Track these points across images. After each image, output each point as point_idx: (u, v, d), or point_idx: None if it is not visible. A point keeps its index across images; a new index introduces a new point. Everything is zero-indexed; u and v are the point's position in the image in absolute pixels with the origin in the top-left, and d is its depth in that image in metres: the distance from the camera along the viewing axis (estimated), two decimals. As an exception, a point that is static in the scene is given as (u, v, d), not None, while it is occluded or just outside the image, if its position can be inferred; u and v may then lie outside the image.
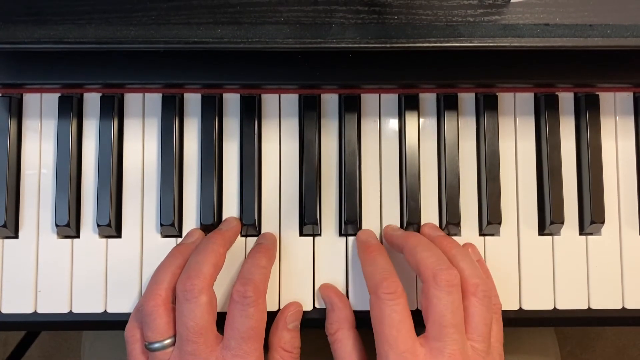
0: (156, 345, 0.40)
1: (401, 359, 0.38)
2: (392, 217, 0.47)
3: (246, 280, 0.41)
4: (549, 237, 0.47)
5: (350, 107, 0.47)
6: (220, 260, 0.43)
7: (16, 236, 0.46)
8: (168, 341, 0.40)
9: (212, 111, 0.47)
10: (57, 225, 0.46)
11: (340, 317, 0.44)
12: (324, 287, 0.46)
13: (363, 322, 0.43)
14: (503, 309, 0.46)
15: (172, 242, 0.46)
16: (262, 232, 0.47)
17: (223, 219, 0.47)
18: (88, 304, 0.46)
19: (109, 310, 0.46)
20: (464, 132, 0.48)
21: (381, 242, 0.47)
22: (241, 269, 0.43)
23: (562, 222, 0.46)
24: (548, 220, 0.46)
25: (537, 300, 0.47)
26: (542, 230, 0.47)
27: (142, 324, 0.42)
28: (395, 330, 0.39)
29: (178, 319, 0.40)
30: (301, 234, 0.47)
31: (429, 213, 0.47)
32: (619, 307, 0.47)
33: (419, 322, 0.40)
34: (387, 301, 0.39)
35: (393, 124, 0.48)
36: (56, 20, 0.40)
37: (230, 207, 0.47)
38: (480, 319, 0.40)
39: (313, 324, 0.45)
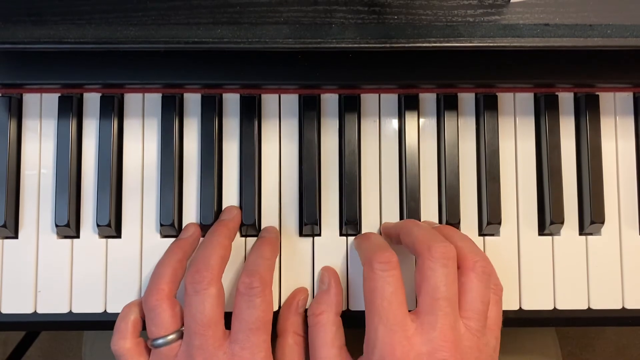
0: (160, 340, 0.40)
1: (390, 333, 0.37)
2: (392, 217, 0.47)
3: (251, 271, 0.41)
4: (549, 237, 0.47)
5: (350, 107, 0.47)
6: (227, 252, 0.43)
7: (16, 236, 0.46)
8: (172, 336, 0.40)
9: (212, 111, 0.47)
10: (57, 225, 0.46)
11: (331, 300, 0.43)
12: (326, 268, 0.46)
13: (361, 323, 0.43)
14: (503, 308, 0.46)
15: (172, 242, 0.46)
16: (262, 232, 0.47)
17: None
18: (88, 304, 0.46)
19: (109, 310, 0.46)
20: (464, 132, 0.48)
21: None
22: (246, 261, 0.43)
23: (562, 222, 0.46)
24: (548, 220, 0.46)
25: (537, 300, 0.47)
26: (542, 230, 0.47)
27: (133, 330, 0.42)
28: (386, 302, 0.38)
29: (186, 312, 0.40)
30: (301, 234, 0.47)
31: (429, 213, 0.47)
32: (619, 307, 0.47)
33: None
34: (380, 272, 0.39)
35: (393, 124, 0.48)
36: (56, 20, 0.40)
37: (230, 207, 0.47)
38: (476, 295, 0.39)
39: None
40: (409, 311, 0.39)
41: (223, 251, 0.42)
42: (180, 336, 0.41)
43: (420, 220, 0.47)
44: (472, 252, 0.40)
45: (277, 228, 0.47)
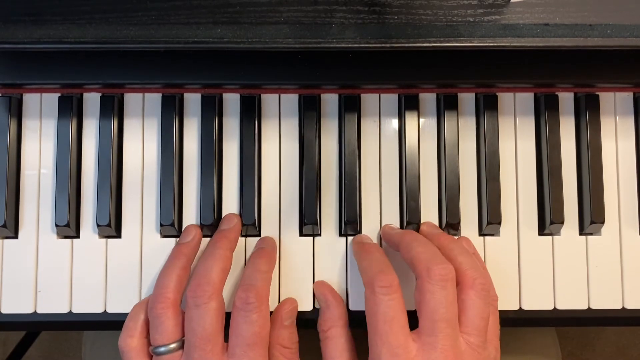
0: (162, 349, 0.41)
1: (393, 355, 0.38)
2: (392, 217, 0.47)
3: (248, 286, 0.41)
4: (549, 237, 0.47)
5: (350, 107, 0.47)
6: (228, 264, 0.43)
7: (16, 236, 0.46)
8: (174, 345, 0.41)
9: (212, 111, 0.47)
10: (57, 225, 0.46)
11: (334, 315, 0.44)
12: (318, 285, 0.46)
13: (361, 322, 0.43)
14: (503, 308, 0.46)
15: (171, 242, 0.46)
16: (262, 232, 0.47)
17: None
18: (88, 304, 0.46)
19: (109, 310, 0.46)
20: (464, 132, 0.48)
21: (380, 244, 0.47)
22: (243, 275, 0.43)
23: (562, 222, 0.46)
24: (548, 220, 0.46)
25: (537, 300, 0.47)
26: (542, 230, 0.47)
27: (142, 330, 0.42)
28: (388, 325, 0.39)
29: (187, 325, 0.40)
30: (301, 234, 0.47)
31: (429, 213, 0.47)
32: (619, 307, 0.47)
33: (415, 322, 0.40)
34: (382, 295, 0.39)
35: (393, 124, 0.48)
36: (56, 20, 0.40)
37: (230, 207, 0.47)
38: (477, 312, 0.40)
39: (312, 325, 0.45)
40: (412, 330, 0.39)
41: (224, 263, 0.43)
42: (182, 346, 0.41)
43: (420, 221, 0.47)
44: (471, 269, 0.41)
45: (277, 227, 0.47)
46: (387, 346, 0.38)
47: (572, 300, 0.47)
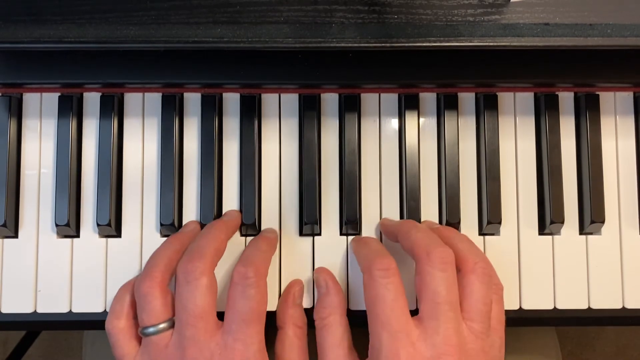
0: (151, 329, 0.39)
1: (394, 339, 0.37)
2: (392, 217, 0.47)
3: (247, 261, 0.40)
4: (549, 237, 0.47)
5: (350, 106, 0.47)
6: (222, 246, 0.42)
7: (16, 236, 0.46)
8: (163, 325, 0.40)
9: (212, 111, 0.47)
10: (57, 225, 0.46)
11: (334, 302, 0.43)
12: (320, 270, 0.45)
13: (362, 322, 0.43)
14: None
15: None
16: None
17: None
18: (88, 304, 0.46)
19: (109, 310, 0.46)
20: (464, 131, 0.48)
21: (380, 241, 0.47)
22: (242, 254, 0.43)
23: (562, 222, 0.46)
24: (548, 219, 0.46)
25: (537, 300, 0.47)
26: (542, 230, 0.47)
27: (128, 312, 0.42)
28: (388, 309, 0.38)
29: (177, 303, 0.39)
30: (301, 233, 0.47)
31: (429, 212, 0.47)
32: (619, 306, 0.47)
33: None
34: (380, 279, 0.38)
35: (393, 123, 0.48)
36: (56, 19, 0.40)
37: (230, 207, 0.47)
38: (479, 297, 0.39)
39: (312, 324, 0.45)
40: (412, 316, 0.39)
41: (218, 244, 0.42)
42: (172, 325, 0.40)
43: (420, 221, 0.47)
44: (472, 254, 0.40)
45: (277, 227, 0.47)
46: (387, 330, 0.37)
47: (572, 300, 0.47)
